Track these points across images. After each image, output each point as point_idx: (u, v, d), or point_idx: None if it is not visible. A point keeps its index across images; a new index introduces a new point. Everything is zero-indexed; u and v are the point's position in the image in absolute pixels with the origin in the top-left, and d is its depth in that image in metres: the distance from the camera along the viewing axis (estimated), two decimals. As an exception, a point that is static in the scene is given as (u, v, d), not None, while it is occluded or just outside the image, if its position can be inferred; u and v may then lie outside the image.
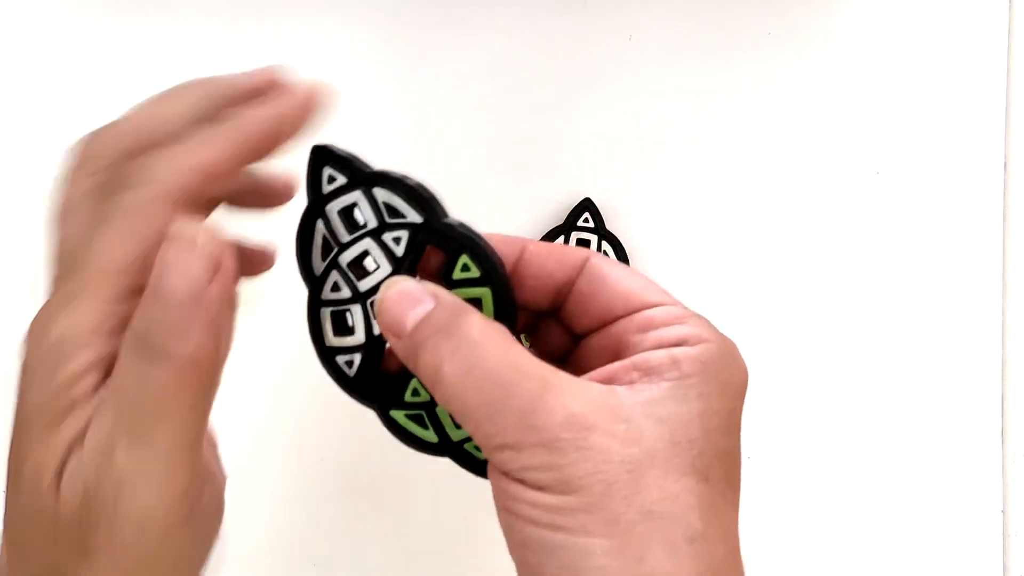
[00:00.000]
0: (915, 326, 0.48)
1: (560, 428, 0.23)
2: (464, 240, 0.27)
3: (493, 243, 0.27)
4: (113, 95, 0.48)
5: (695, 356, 0.25)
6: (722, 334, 0.26)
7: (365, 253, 0.27)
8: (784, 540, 0.48)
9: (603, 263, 0.28)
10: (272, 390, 0.46)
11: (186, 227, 0.24)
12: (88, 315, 0.24)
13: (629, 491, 0.23)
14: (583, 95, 0.48)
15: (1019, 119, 0.49)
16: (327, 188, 0.27)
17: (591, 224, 0.47)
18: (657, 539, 0.23)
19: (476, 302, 0.27)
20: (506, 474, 0.24)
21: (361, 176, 0.27)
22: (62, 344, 0.24)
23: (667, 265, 0.48)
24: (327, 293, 0.28)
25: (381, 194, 0.27)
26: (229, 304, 0.24)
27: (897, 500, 0.48)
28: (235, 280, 0.25)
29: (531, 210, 0.48)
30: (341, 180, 0.27)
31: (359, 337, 0.28)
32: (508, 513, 0.24)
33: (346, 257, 0.28)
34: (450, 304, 0.26)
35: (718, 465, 0.25)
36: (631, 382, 0.25)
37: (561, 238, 0.47)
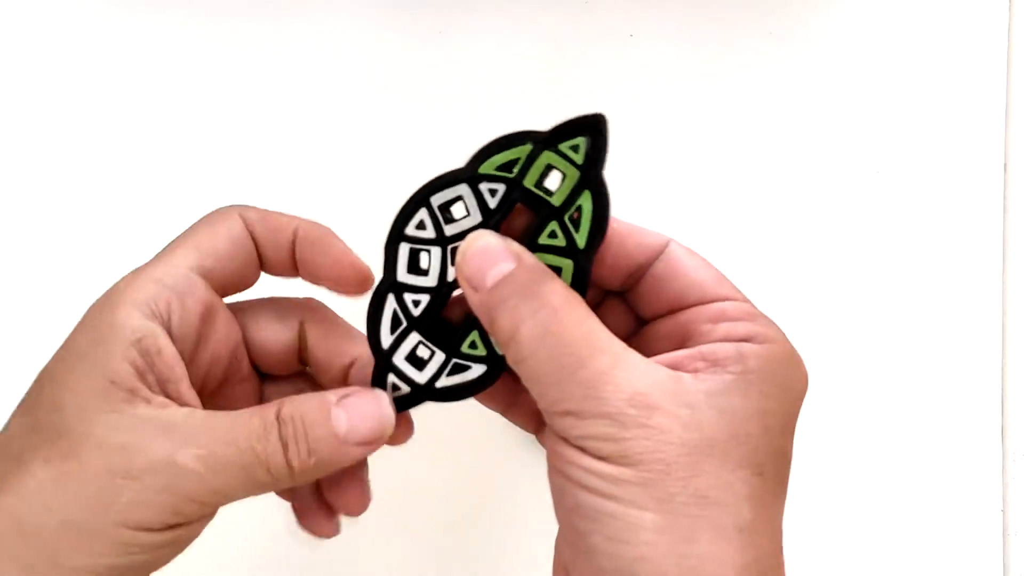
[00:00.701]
0: (915, 326, 0.48)
1: (625, 403, 0.24)
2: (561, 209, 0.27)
3: None
4: (112, 93, 0.48)
5: (761, 354, 0.25)
6: (788, 339, 0.27)
7: (458, 198, 0.27)
8: (784, 539, 0.48)
9: (681, 251, 0.28)
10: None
11: (380, 394, 0.28)
12: (173, 267, 0.28)
13: (686, 474, 0.24)
14: (583, 94, 0.48)
15: (1019, 119, 0.49)
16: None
17: (591, 224, 0.47)
18: (707, 523, 0.24)
19: (555, 271, 0.27)
20: (565, 440, 0.25)
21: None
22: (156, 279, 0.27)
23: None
24: (411, 229, 0.28)
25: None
26: (345, 465, 0.28)
27: (897, 500, 0.47)
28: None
29: (531, 210, 0.48)
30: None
31: (431, 279, 0.28)
32: (563, 477, 0.25)
33: (438, 199, 0.27)
34: (533, 267, 0.26)
35: (772, 462, 0.25)
36: (696, 370, 0.25)
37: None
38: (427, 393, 0.28)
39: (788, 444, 0.26)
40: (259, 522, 0.47)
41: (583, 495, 0.24)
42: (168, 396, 0.27)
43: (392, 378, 0.28)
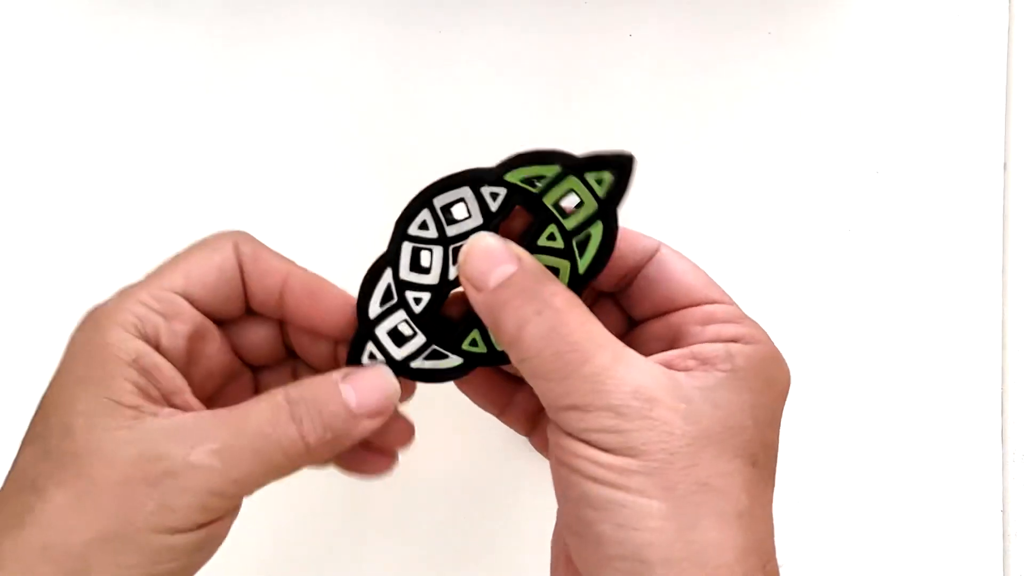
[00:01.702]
0: (915, 326, 0.48)
1: (629, 396, 0.25)
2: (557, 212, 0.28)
3: None
4: (112, 100, 0.48)
5: (749, 353, 0.27)
6: (772, 341, 0.28)
7: (460, 200, 0.28)
8: (784, 539, 0.47)
9: (672, 255, 0.29)
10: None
11: (384, 368, 0.29)
12: (161, 289, 0.28)
13: (687, 463, 0.25)
14: (582, 94, 0.48)
15: (1019, 119, 0.49)
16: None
17: (591, 224, 0.47)
18: (709, 510, 0.25)
19: (553, 271, 0.28)
20: (570, 434, 0.26)
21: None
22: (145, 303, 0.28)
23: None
24: (414, 228, 0.29)
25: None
26: (358, 439, 0.28)
27: (897, 500, 0.47)
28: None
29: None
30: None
31: (433, 277, 0.29)
32: (568, 469, 0.26)
33: (441, 200, 0.28)
34: (534, 269, 0.27)
35: (763, 453, 0.27)
36: (687, 369, 0.27)
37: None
38: (400, 370, 0.30)
39: (775, 437, 0.28)
40: (257, 521, 0.47)
41: (590, 486, 0.25)
42: (174, 407, 0.27)
43: (371, 347, 0.30)
